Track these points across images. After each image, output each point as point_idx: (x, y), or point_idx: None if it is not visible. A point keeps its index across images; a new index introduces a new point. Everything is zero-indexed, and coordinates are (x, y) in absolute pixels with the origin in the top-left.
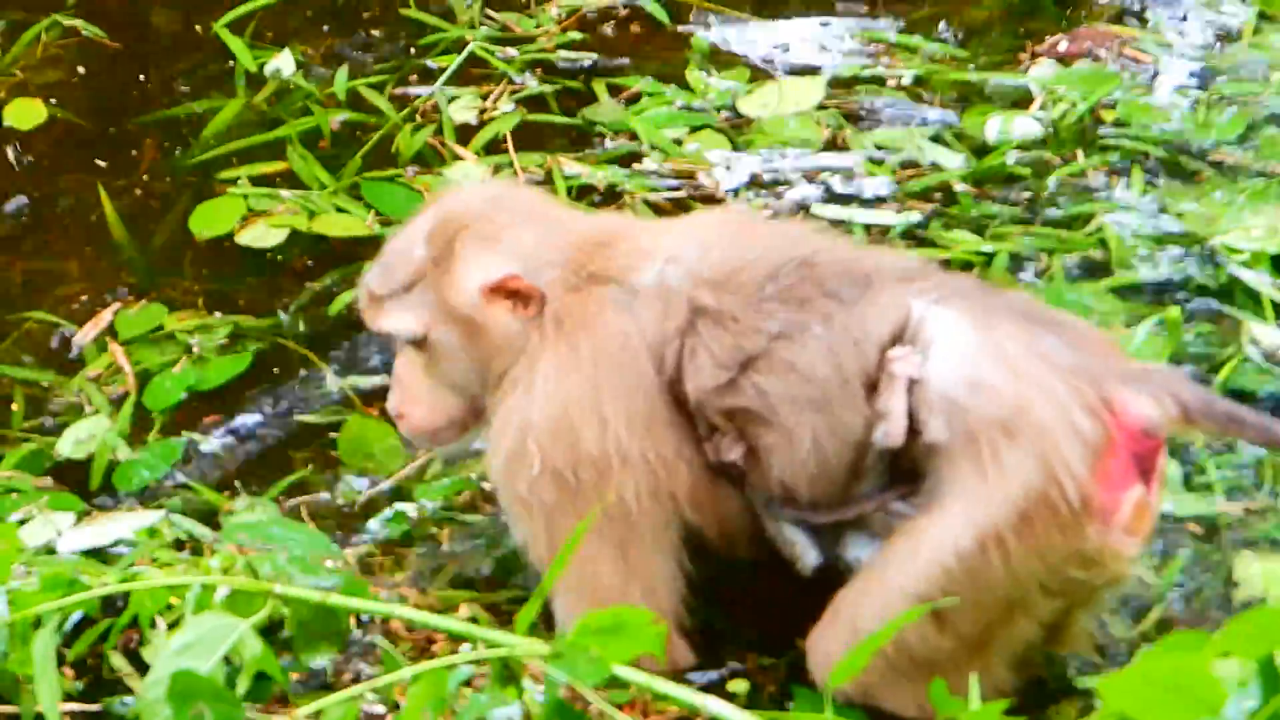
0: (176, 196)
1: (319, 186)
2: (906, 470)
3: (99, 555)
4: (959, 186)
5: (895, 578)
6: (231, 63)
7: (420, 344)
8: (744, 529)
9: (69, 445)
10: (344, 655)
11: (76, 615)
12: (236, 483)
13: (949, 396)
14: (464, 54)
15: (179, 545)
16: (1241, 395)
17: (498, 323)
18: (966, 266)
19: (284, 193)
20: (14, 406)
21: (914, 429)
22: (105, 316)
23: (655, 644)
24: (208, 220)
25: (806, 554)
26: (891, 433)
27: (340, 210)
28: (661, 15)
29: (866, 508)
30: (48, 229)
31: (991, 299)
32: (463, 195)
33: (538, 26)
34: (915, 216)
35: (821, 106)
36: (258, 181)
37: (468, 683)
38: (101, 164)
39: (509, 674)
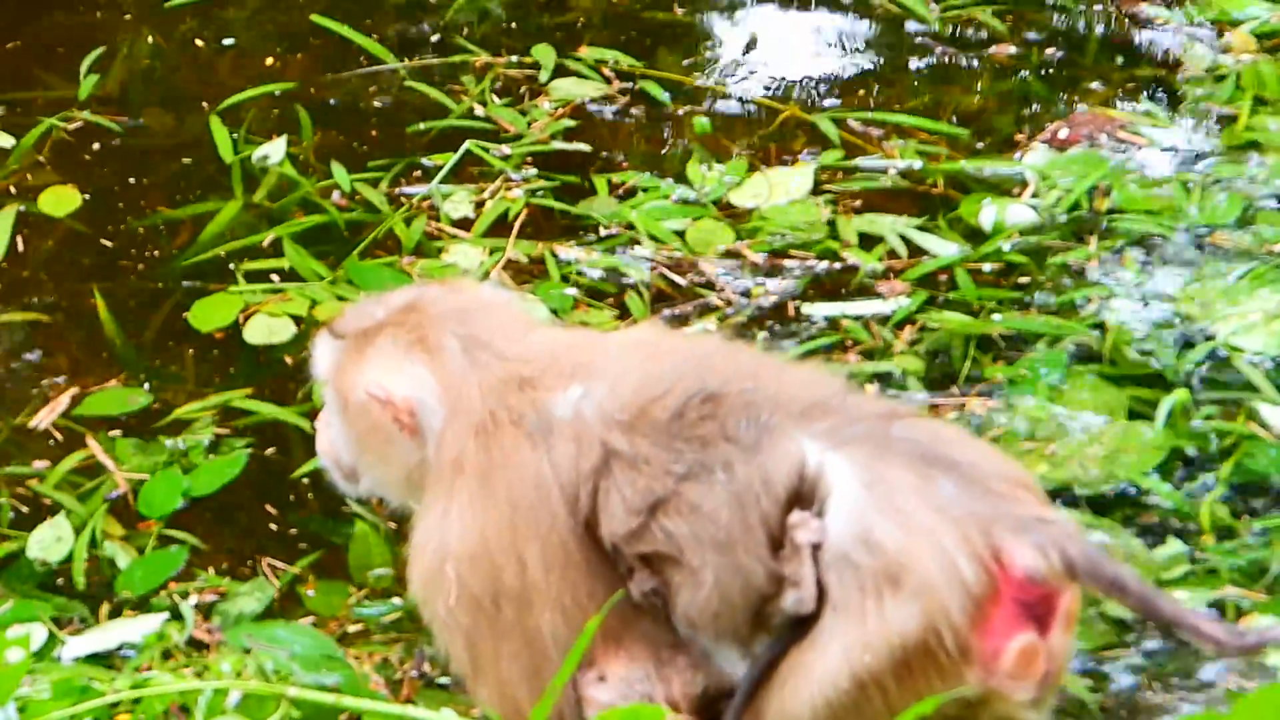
0: (170, 296)
1: (316, 279)
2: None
3: (103, 661)
4: (955, 273)
5: (789, 703)
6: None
7: (324, 385)
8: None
9: (38, 548)
10: None
11: None
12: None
13: (843, 554)
14: (460, 152)
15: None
16: (1254, 476)
17: (376, 425)
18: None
19: (285, 285)
20: None
21: (819, 588)
22: (63, 401)
23: None
24: (207, 316)
25: (730, 665)
26: (804, 599)
27: (341, 299)
28: (661, 96)
29: (769, 657)
30: (40, 331)
31: (890, 439)
32: (443, 292)
33: (530, 123)
34: (904, 301)
35: (814, 194)
36: (253, 278)
37: None
38: (97, 266)
39: None
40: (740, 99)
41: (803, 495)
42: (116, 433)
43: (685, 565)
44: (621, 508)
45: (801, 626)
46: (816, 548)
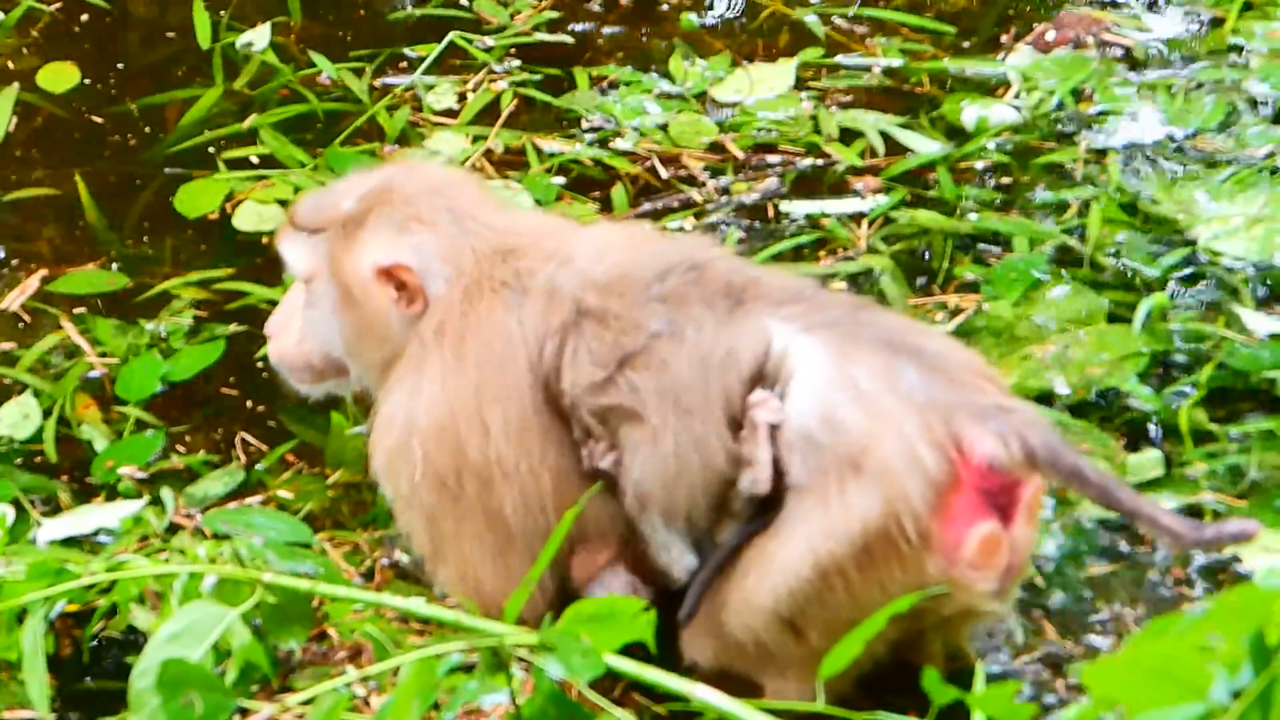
0: (152, 182)
1: (297, 166)
2: (765, 501)
3: (79, 545)
4: (937, 172)
5: (751, 593)
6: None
7: (306, 284)
8: (615, 539)
9: (4, 425)
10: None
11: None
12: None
13: (805, 433)
14: (443, 43)
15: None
16: (1232, 381)
17: (377, 306)
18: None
19: (268, 172)
20: None
21: (778, 471)
22: (32, 282)
23: (646, 631)
24: (193, 201)
25: (682, 559)
26: (759, 480)
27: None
28: None
29: (731, 547)
30: (21, 217)
31: (858, 326)
32: (410, 172)
33: (513, 15)
34: (882, 200)
35: (796, 89)
36: (235, 165)
37: (455, 670)
38: (77, 153)
39: (498, 662)
40: None
41: (765, 376)
42: (89, 314)
43: (646, 423)
44: (588, 360)
45: (764, 516)
46: (775, 429)
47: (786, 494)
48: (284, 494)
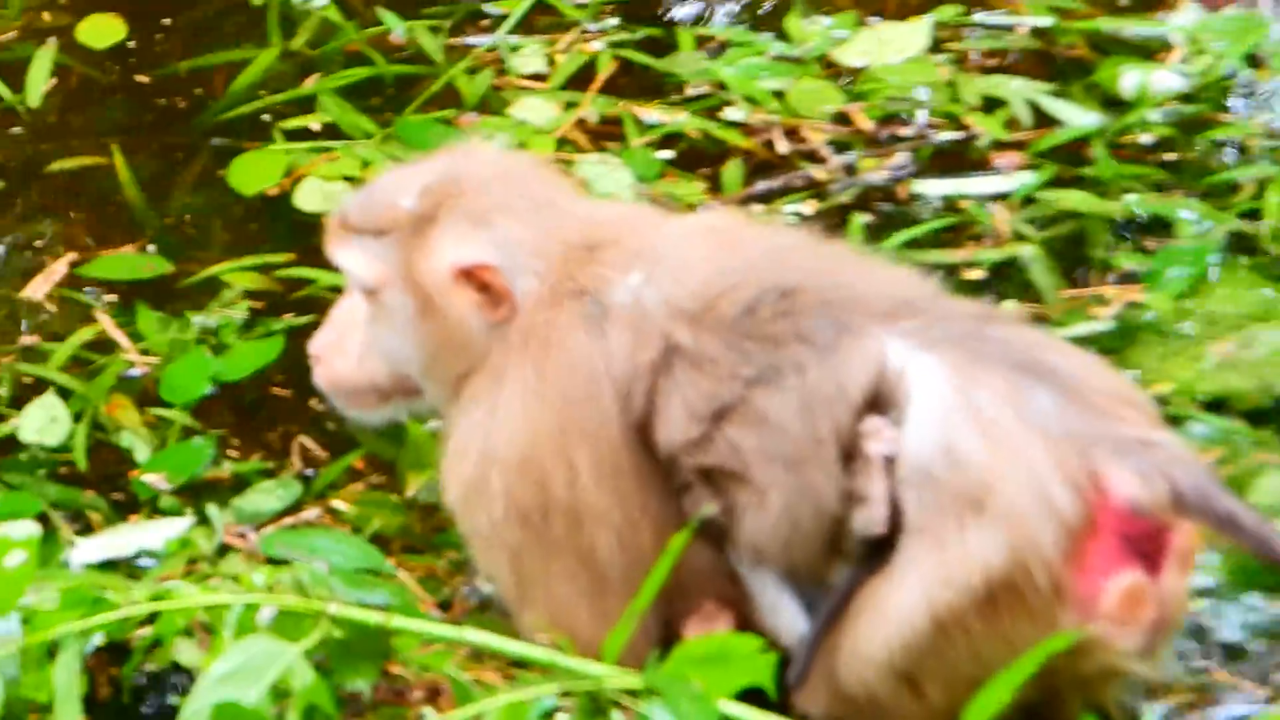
0: (197, 154)
1: (364, 137)
2: (880, 540)
3: (119, 568)
4: (1091, 147)
5: (863, 643)
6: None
7: (371, 295)
8: (720, 592)
9: (32, 431)
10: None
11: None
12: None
13: (922, 467)
14: None
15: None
16: None
17: (458, 313)
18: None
19: (331, 144)
20: None
21: (894, 508)
22: (59, 267)
23: (764, 674)
24: (248, 176)
25: (792, 621)
26: (874, 519)
27: (396, 160)
28: None
29: (843, 594)
30: (52, 192)
31: (983, 342)
32: (473, 158)
33: None
34: (1028, 178)
35: (931, 53)
36: (291, 136)
37: (549, 715)
38: (114, 120)
39: (597, 707)
40: None
41: (880, 402)
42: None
43: (751, 484)
44: (683, 412)
45: (880, 556)
46: (890, 461)
47: (901, 534)
48: (343, 506)
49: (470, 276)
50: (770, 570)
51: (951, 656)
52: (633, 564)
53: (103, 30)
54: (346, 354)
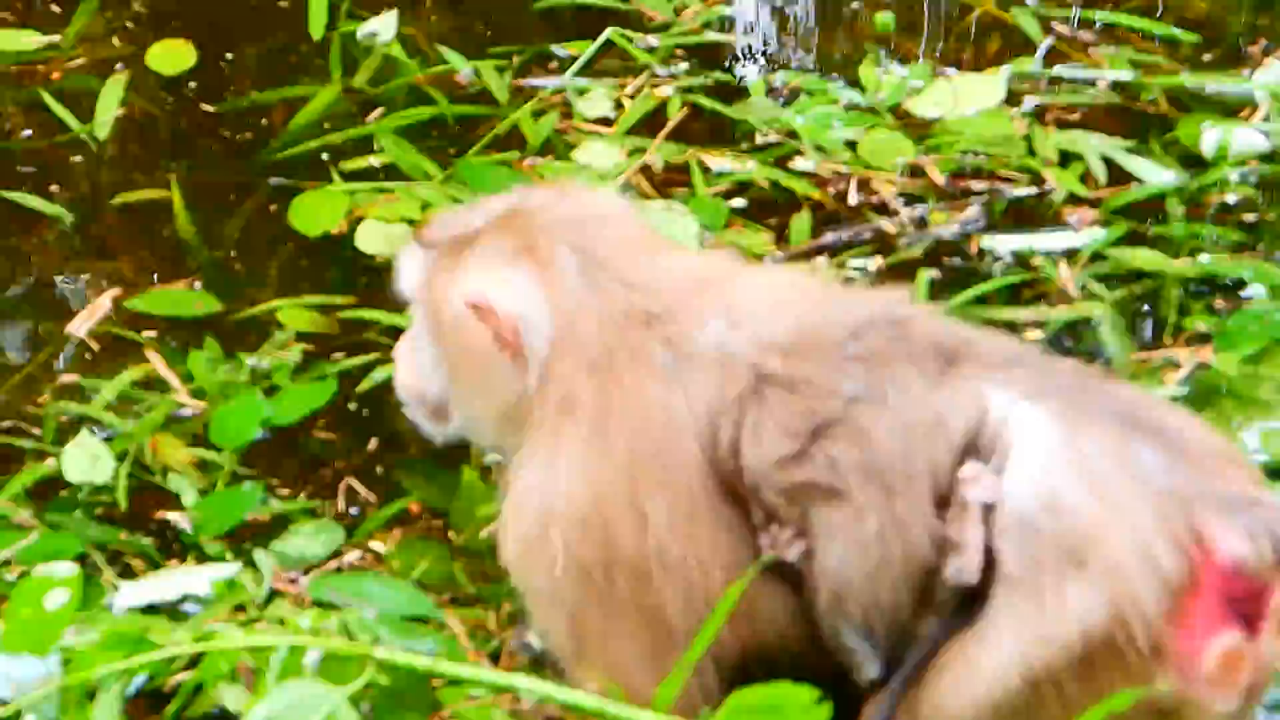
0: (254, 193)
1: (423, 178)
2: (971, 592)
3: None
4: (1166, 205)
5: (949, 699)
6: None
7: (412, 304)
8: (794, 639)
9: (76, 471)
10: None
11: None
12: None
13: (1022, 517)
14: (599, 41)
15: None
16: None
17: (473, 345)
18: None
19: (391, 184)
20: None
21: (988, 558)
22: (103, 303)
23: None
24: (310, 216)
25: (868, 664)
26: (967, 568)
27: (456, 202)
28: None
29: (931, 646)
30: (106, 226)
31: (1088, 397)
32: (558, 197)
33: (679, 10)
34: (1100, 234)
35: (1007, 104)
36: (349, 177)
37: None
38: (170, 153)
39: None
40: None
41: (980, 449)
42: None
43: (846, 502)
44: (777, 432)
45: (968, 610)
46: (989, 509)
47: (995, 586)
48: (383, 549)
49: (480, 311)
50: (849, 614)
51: (1043, 716)
52: (698, 617)
53: (173, 57)
54: (402, 359)
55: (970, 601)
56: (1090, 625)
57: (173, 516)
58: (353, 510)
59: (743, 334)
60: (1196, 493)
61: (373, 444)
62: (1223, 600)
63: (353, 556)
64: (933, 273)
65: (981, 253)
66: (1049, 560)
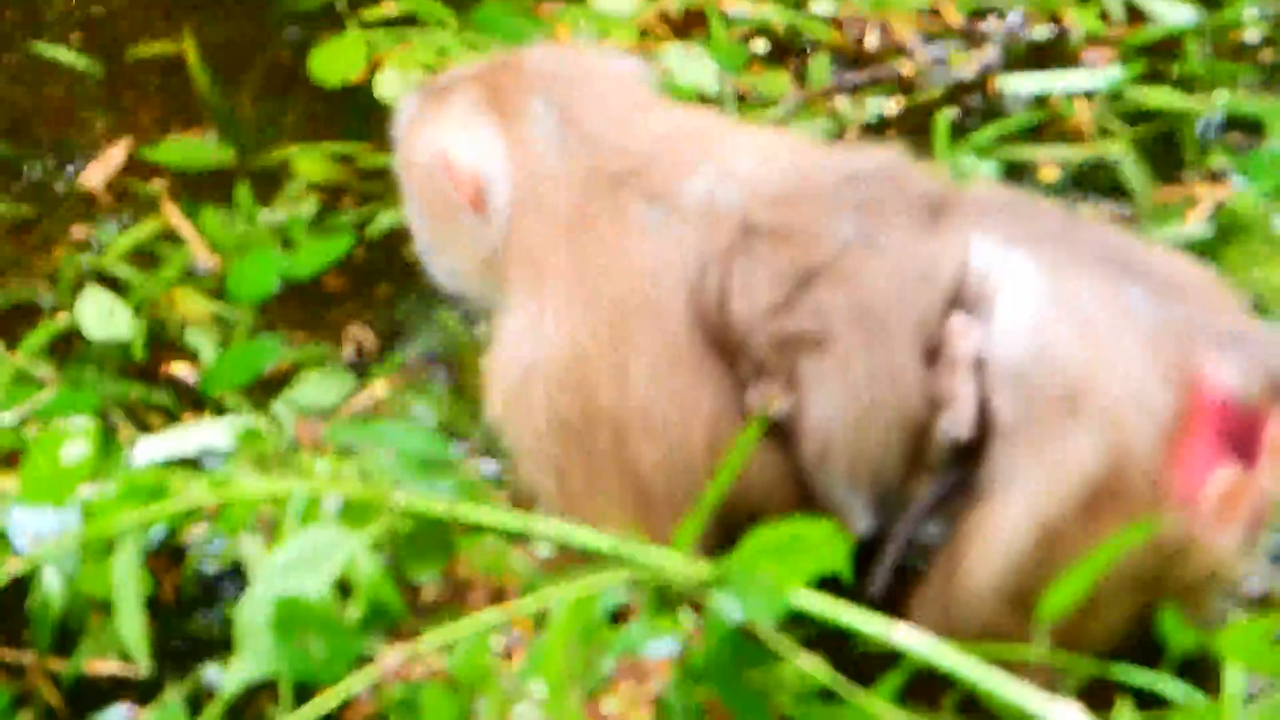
0: (270, 44)
1: (439, 26)
2: (964, 451)
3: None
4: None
5: (970, 575)
6: None
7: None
8: (782, 497)
9: (94, 326)
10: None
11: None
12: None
13: (1015, 369)
14: None
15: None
16: None
17: (439, 195)
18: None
19: (407, 30)
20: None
21: (982, 411)
22: (115, 154)
23: (839, 560)
24: (330, 65)
25: (858, 518)
26: (961, 421)
27: (473, 50)
28: None
29: (928, 506)
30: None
31: (1076, 242)
32: (552, 54)
33: None
34: (1118, 74)
35: None
36: (367, 27)
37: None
38: (179, 5)
39: (666, 601)
40: None
41: (966, 299)
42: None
43: (833, 349)
44: (764, 281)
45: (962, 468)
46: (980, 363)
47: (992, 442)
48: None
49: (440, 164)
50: (837, 468)
51: (1049, 571)
52: (678, 478)
53: None
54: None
55: (966, 458)
56: (1090, 472)
57: (189, 370)
58: (362, 358)
59: (731, 185)
60: (1187, 329)
61: (381, 290)
62: (1218, 435)
63: (364, 401)
64: (952, 113)
65: (1000, 94)
66: (1044, 410)
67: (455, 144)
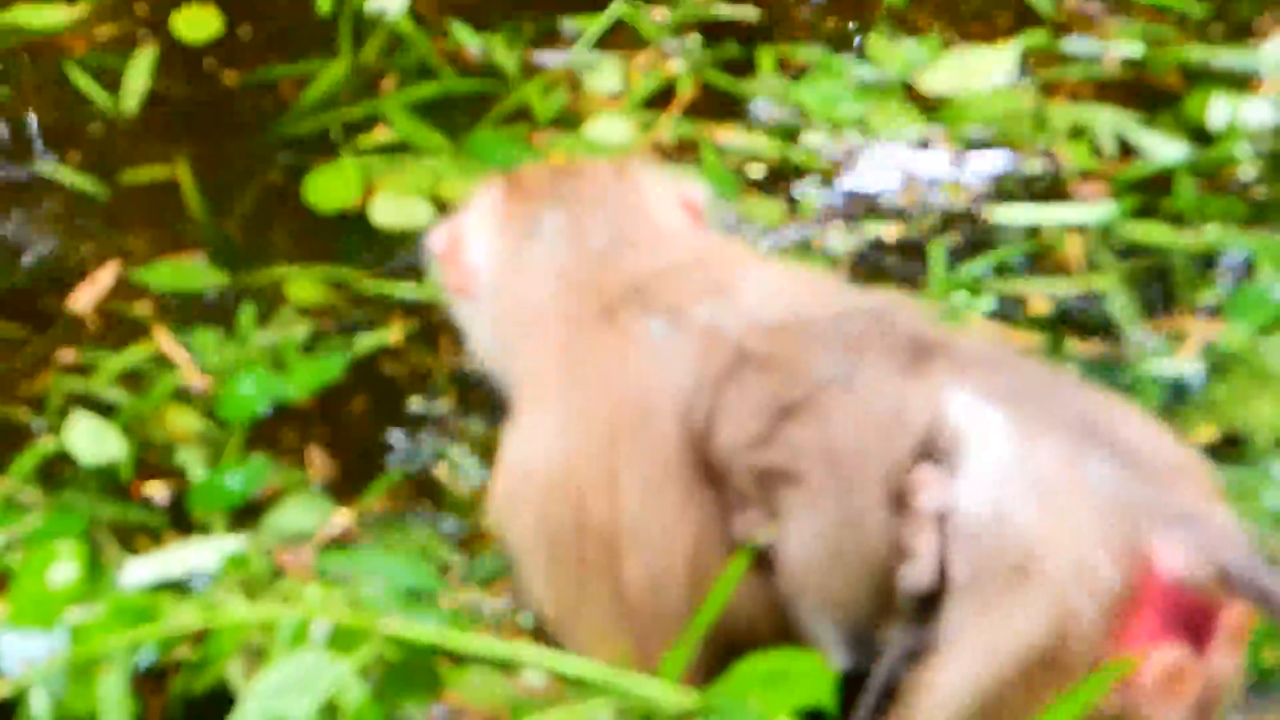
0: (265, 169)
1: (435, 152)
2: (930, 601)
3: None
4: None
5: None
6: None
7: None
8: (765, 627)
9: (85, 451)
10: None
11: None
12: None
13: (973, 528)
14: (609, 15)
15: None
16: None
17: (447, 285)
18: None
19: (403, 157)
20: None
21: (943, 565)
22: (106, 276)
23: (825, 692)
24: (326, 191)
25: (834, 654)
26: (919, 576)
27: (469, 175)
28: None
29: (900, 654)
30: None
31: (1049, 401)
32: (590, 170)
33: None
34: (1110, 208)
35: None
36: (362, 152)
37: None
38: (179, 129)
39: None
40: None
41: (936, 450)
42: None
43: (805, 486)
44: (746, 410)
45: (932, 617)
46: (943, 516)
47: (947, 597)
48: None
49: (443, 257)
50: (809, 603)
51: None
52: (665, 595)
53: (199, 22)
54: None
55: (932, 608)
56: (1034, 639)
57: (162, 489)
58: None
59: (732, 311)
60: (1144, 506)
61: (361, 409)
62: (1164, 615)
63: (342, 524)
64: (946, 243)
65: (992, 225)
66: (996, 572)
67: (463, 232)
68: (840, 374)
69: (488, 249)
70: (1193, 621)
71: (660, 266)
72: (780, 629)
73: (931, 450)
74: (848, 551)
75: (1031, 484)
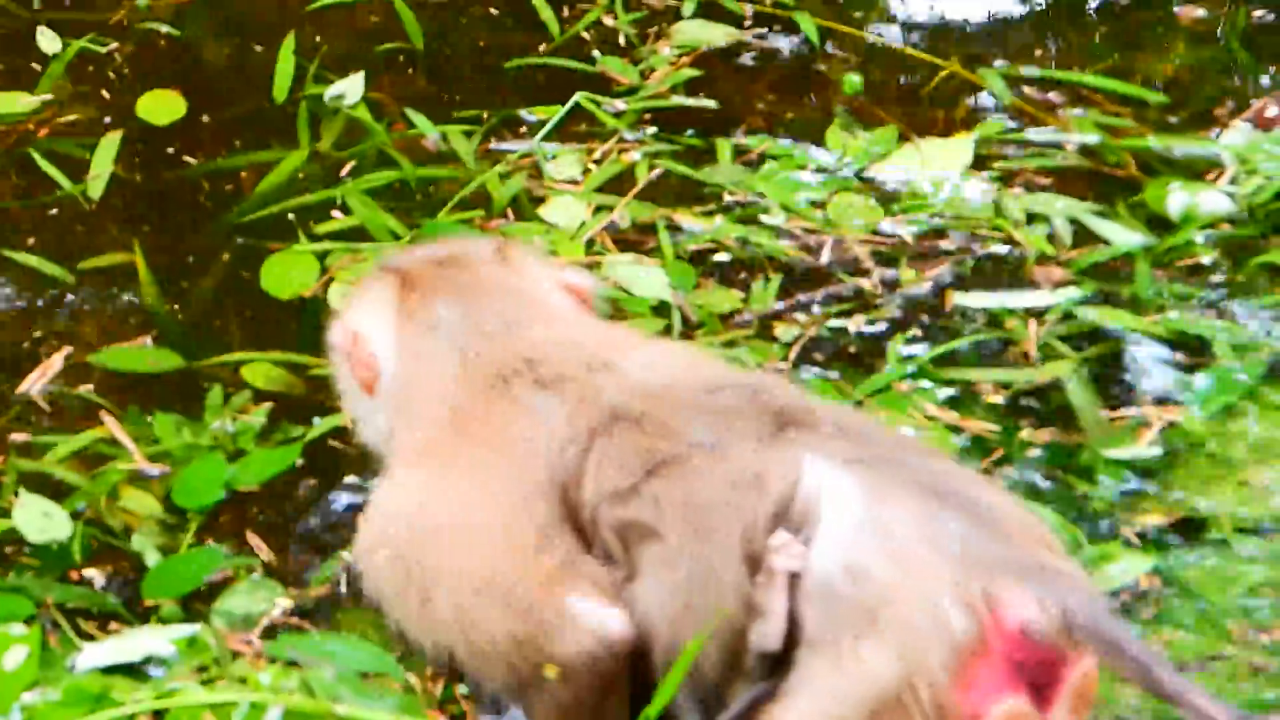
0: (221, 256)
1: (390, 239)
2: (775, 663)
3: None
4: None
5: None
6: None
7: None
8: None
9: (34, 531)
10: None
11: None
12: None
13: (825, 584)
14: (568, 106)
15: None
16: None
17: (343, 370)
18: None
19: (359, 245)
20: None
21: (792, 626)
22: (55, 362)
23: None
24: (281, 279)
25: (682, 713)
26: (770, 634)
27: None
28: (813, 34)
29: (745, 704)
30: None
31: (901, 468)
32: (481, 257)
33: (647, 73)
34: (1070, 294)
35: (971, 170)
36: (318, 239)
37: None
38: (135, 216)
39: None
40: (892, 49)
41: (792, 515)
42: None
43: (665, 542)
44: (614, 464)
45: (774, 679)
46: (794, 578)
47: (797, 650)
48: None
49: (343, 346)
50: (660, 660)
51: None
52: (526, 666)
53: (163, 107)
54: None
55: (777, 670)
56: (881, 684)
57: (127, 575)
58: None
59: (614, 379)
60: (993, 559)
61: (306, 492)
62: (1010, 665)
63: (286, 608)
64: (903, 331)
65: (954, 311)
66: (847, 622)
67: (357, 327)
68: (707, 438)
69: (388, 342)
70: (1039, 674)
71: (551, 340)
72: (639, 680)
73: (788, 514)
74: (701, 607)
75: (883, 540)
